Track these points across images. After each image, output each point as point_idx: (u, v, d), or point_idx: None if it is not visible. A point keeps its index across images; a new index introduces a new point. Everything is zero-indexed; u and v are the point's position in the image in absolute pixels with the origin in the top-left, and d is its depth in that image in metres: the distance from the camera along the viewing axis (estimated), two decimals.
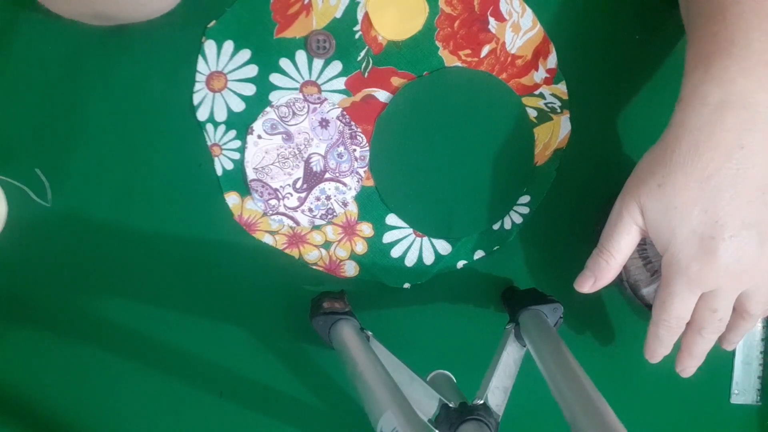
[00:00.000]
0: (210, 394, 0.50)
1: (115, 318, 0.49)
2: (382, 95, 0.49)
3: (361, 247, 0.50)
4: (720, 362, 0.55)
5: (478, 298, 0.52)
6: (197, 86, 0.47)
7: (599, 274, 0.45)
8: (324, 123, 0.49)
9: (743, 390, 0.55)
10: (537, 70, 0.50)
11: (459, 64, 0.49)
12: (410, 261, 0.51)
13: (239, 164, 0.48)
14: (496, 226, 0.52)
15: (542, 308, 0.47)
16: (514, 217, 0.52)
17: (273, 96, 0.48)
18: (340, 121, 0.49)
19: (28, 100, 0.46)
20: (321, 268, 0.50)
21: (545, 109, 0.51)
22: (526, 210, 0.52)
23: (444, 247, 0.51)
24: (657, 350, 0.45)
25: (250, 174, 0.48)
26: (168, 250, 0.49)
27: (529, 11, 0.49)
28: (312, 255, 0.50)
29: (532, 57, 0.50)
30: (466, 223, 0.51)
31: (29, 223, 0.47)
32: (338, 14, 0.48)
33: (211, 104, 0.48)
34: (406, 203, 0.50)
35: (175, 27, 0.47)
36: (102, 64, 0.47)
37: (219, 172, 0.48)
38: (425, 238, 0.51)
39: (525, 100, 0.50)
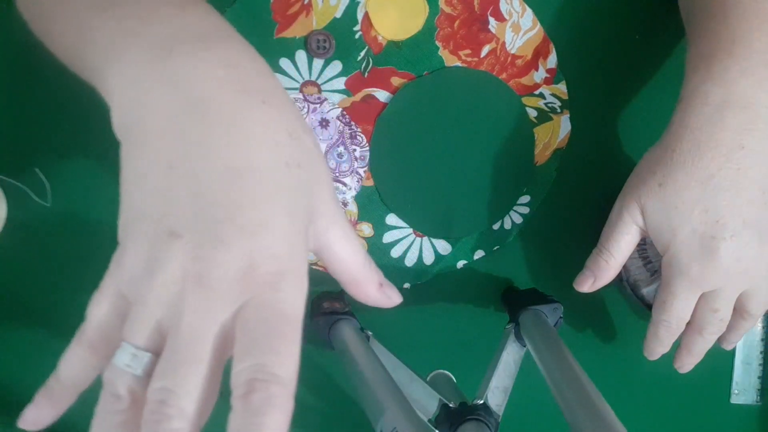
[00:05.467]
0: None
1: None
2: (382, 95, 0.49)
3: None
4: (720, 362, 0.55)
5: (478, 298, 0.52)
6: None
7: (599, 274, 0.45)
8: (324, 123, 0.49)
9: (743, 390, 0.55)
10: (537, 70, 0.50)
11: (459, 64, 0.49)
12: (410, 261, 0.51)
13: None
14: (496, 226, 0.52)
15: (542, 308, 0.47)
16: (514, 217, 0.52)
17: None
18: (340, 121, 0.49)
19: (28, 99, 0.46)
20: (321, 268, 0.50)
21: (545, 109, 0.51)
22: (526, 210, 0.52)
23: (444, 247, 0.51)
24: (656, 349, 0.45)
25: None
26: None
27: (529, 11, 0.49)
28: (312, 254, 0.50)
29: (532, 57, 0.50)
30: (466, 223, 0.51)
31: (29, 223, 0.47)
32: (338, 14, 0.48)
33: None
34: (406, 203, 0.50)
35: None
36: None
37: None
38: (425, 238, 0.51)
39: (525, 100, 0.50)
